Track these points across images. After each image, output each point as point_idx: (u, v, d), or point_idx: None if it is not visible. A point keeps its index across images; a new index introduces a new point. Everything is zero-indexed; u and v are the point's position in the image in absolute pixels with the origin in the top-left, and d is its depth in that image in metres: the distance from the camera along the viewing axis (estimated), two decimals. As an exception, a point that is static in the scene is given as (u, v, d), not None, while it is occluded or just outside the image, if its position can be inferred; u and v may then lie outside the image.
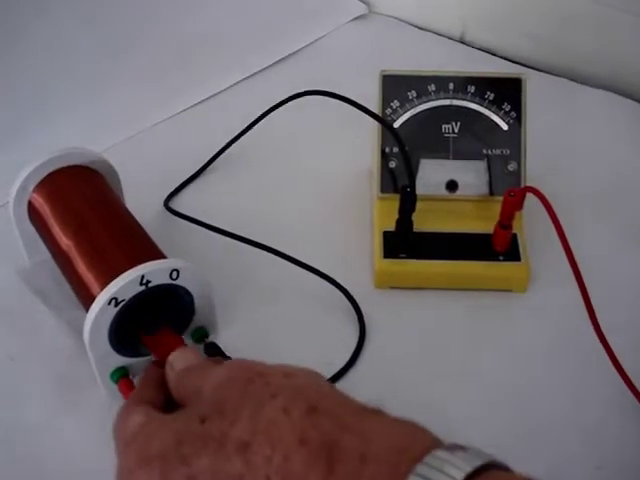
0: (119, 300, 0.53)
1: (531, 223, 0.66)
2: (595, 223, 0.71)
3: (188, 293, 0.57)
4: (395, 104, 0.67)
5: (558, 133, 0.80)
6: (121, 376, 0.56)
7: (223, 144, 0.75)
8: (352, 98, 0.65)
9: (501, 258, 0.65)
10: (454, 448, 0.38)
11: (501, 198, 0.63)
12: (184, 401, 0.47)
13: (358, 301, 0.64)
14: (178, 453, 0.42)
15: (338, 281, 0.64)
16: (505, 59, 0.90)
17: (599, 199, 0.73)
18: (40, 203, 0.61)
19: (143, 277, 0.53)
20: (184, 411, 0.45)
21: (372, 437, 0.39)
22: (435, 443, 0.39)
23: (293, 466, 0.39)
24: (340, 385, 0.59)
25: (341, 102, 0.66)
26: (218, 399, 0.43)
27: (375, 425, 0.40)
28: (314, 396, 0.42)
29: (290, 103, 0.69)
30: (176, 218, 0.70)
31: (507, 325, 0.64)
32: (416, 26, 0.95)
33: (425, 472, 0.36)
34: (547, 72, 0.88)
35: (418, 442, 0.39)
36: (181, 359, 0.50)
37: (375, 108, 0.67)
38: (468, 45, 0.92)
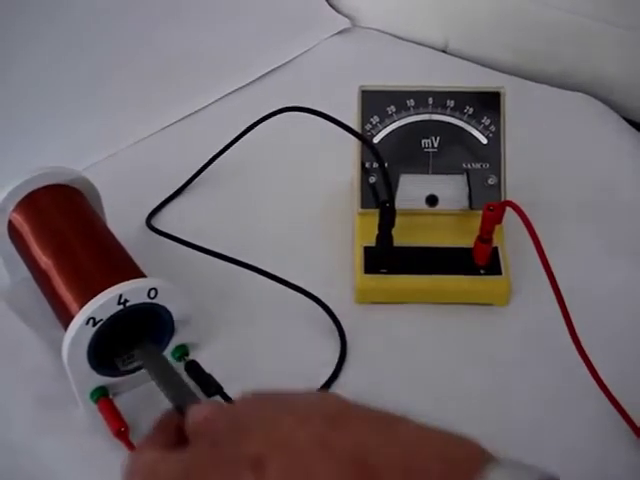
0: (97, 320, 0.53)
1: (512, 236, 0.66)
2: (576, 233, 0.71)
3: (167, 312, 0.57)
4: (375, 119, 0.67)
5: (540, 141, 0.80)
6: (100, 396, 0.56)
7: (204, 161, 0.75)
8: (336, 113, 0.65)
9: (482, 272, 0.65)
10: (509, 461, 0.34)
11: (481, 212, 0.63)
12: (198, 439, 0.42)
13: (339, 317, 0.64)
14: None
15: (319, 297, 0.64)
16: (489, 68, 0.90)
17: (580, 208, 0.74)
18: (20, 222, 0.61)
19: (121, 296, 0.53)
20: (195, 442, 0.41)
21: (414, 445, 0.35)
22: (484, 453, 0.35)
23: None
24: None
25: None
26: (230, 421, 0.40)
27: (414, 432, 0.36)
28: (334, 406, 0.38)
29: (272, 119, 0.69)
30: (157, 236, 0.70)
31: (488, 338, 0.64)
32: (400, 38, 0.95)
33: None
34: (530, 80, 0.88)
35: (468, 453, 0.34)
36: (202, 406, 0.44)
37: (355, 123, 0.67)
38: (451, 55, 0.93)
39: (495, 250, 0.65)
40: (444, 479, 0.33)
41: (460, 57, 0.92)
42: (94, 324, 0.53)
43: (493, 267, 0.65)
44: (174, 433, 0.44)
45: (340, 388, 0.60)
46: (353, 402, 0.38)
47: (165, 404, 0.58)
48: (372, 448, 0.34)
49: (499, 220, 0.62)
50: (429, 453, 0.34)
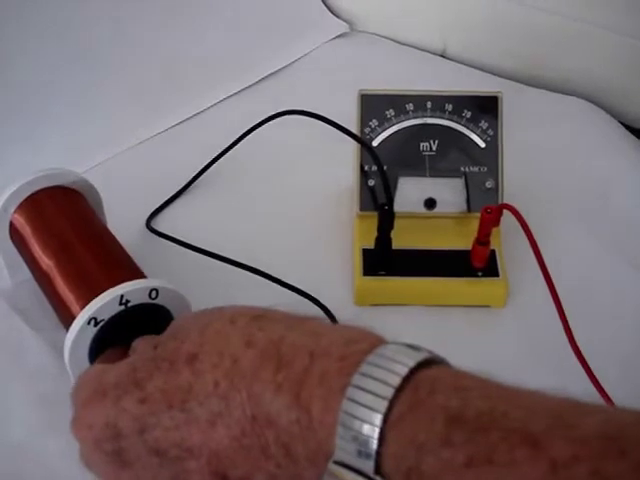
0: (98, 320, 0.53)
1: (510, 238, 0.66)
2: (573, 236, 0.72)
3: (168, 312, 0.57)
4: (374, 123, 0.68)
5: (537, 145, 0.80)
6: (101, 396, 0.56)
7: (204, 163, 0.75)
8: (336, 116, 0.66)
9: (479, 274, 0.65)
10: (400, 344, 0.39)
11: (479, 215, 0.63)
12: None
13: (339, 318, 0.64)
14: (132, 379, 0.43)
15: (319, 299, 0.65)
16: (487, 72, 0.91)
17: (577, 212, 0.74)
18: (21, 224, 0.62)
19: (122, 297, 0.54)
20: (139, 348, 0.47)
21: (320, 334, 0.40)
22: (381, 339, 0.40)
23: (242, 367, 0.40)
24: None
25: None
26: (172, 329, 0.46)
27: (321, 326, 0.42)
28: (260, 309, 0.44)
29: (272, 122, 0.70)
30: (158, 238, 0.70)
31: (486, 340, 0.64)
32: (398, 43, 0.96)
33: (377, 361, 0.37)
34: (528, 85, 0.89)
35: (365, 337, 0.40)
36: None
37: (355, 127, 0.67)
38: (450, 60, 0.93)
39: (492, 252, 0.66)
40: (342, 358, 0.38)
41: (458, 62, 0.92)
42: (95, 324, 0.53)
43: (491, 269, 0.66)
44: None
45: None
46: (267, 308, 0.45)
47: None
48: (286, 339, 0.40)
49: (496, 223, 0.63)
50: (331, 339, 0.39)
